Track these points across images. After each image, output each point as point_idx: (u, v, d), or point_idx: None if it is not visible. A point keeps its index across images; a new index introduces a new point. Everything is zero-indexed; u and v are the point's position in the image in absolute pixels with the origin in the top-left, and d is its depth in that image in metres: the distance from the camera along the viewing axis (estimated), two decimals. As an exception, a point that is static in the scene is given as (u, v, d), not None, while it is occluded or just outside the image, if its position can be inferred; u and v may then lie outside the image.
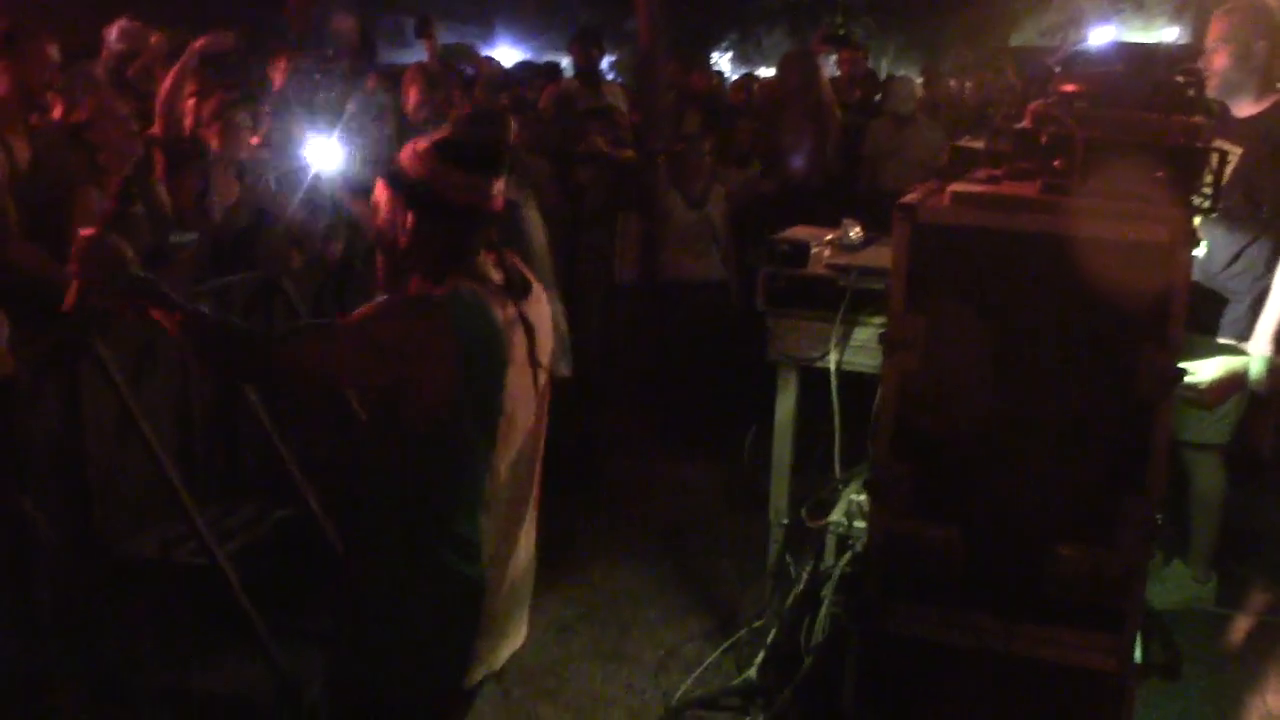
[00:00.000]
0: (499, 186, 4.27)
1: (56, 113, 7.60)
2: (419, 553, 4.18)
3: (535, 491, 4.55)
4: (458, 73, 12.91)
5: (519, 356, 4.23)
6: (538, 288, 4.47)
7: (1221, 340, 7.37)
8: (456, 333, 4.02)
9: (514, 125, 7.16)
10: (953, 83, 16.53)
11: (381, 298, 4.17)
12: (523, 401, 4.28)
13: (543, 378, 4.41)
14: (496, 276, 4.26)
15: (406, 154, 4.26)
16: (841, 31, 16.77)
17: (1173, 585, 8.04)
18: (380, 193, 4.31)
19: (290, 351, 4.17)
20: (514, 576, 4.43)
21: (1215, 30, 7.37)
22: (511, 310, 4.23)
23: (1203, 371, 6.90)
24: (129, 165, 7.43)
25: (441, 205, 4.17)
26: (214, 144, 8.35)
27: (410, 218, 4.20)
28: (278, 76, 10.25)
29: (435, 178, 4.17)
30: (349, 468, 4.37)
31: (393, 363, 4.01)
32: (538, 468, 4.53)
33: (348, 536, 4.63)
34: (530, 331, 4.30)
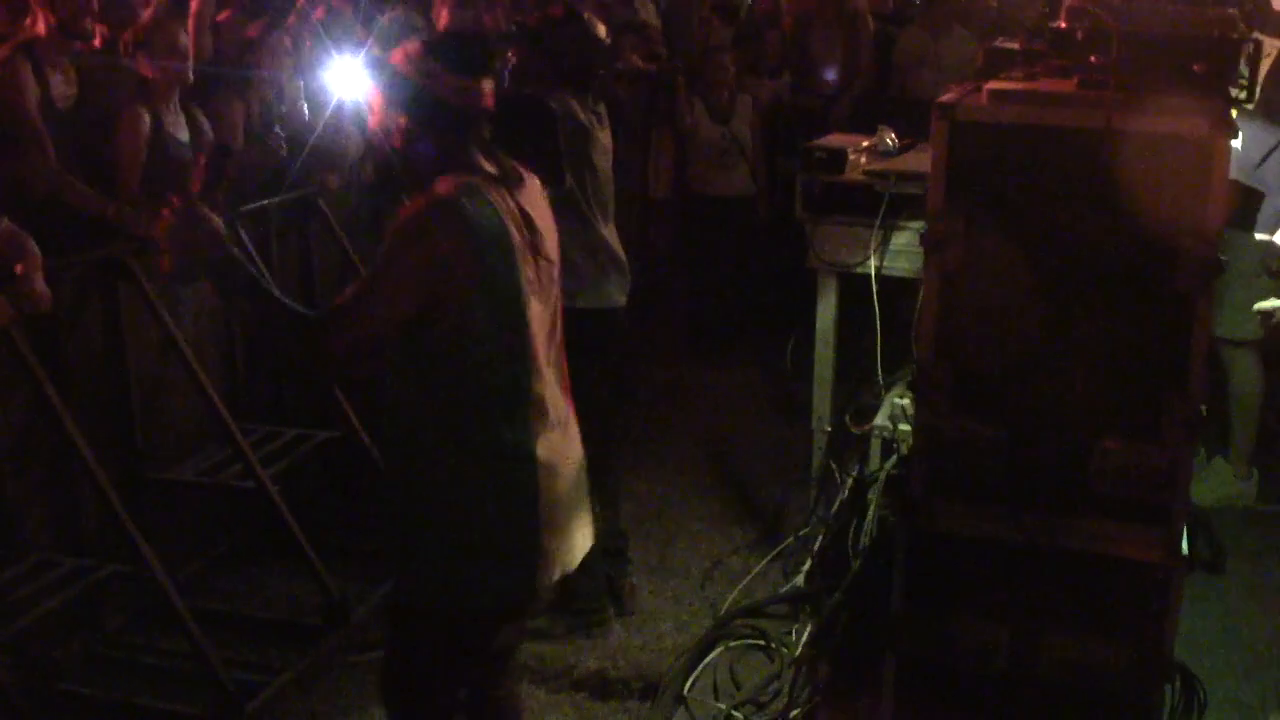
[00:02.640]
0: (489, 85, 4.28)
1: (98, 41, 7.59)
2: (467, 455, 4.19)
3: (565, 382, 4.55)
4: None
5: (520, 246, 4.23)
6: (534, 181, 4.47)
7: (1259, 235, 7.36)
8: (470, 229, 4.05)
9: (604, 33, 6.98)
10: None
11: (392, 226, 4.18)
12: (534, 291, 4.29)
13: (546, 269, 4.39)
14: (490, 167, 4.26)
15: (398, 56, 4.27)
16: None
17: (1214, 482, 8.07)
18: (373, 96, 4.33)
19: (348, 320, 4.17)
20: (567, 468, 4.43)
21: None
22: (509, 201, 4.23)
23: None
24: (176, 90, 7.44)
25: (431, 106, 4.21)
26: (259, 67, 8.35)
27: (403, 120, 4.24)
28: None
29: (425, 79, 4.19)
30: (382, 388, 4.38)
31: (431, 280, 4.04)
32: (563, 359, 4.54)
33: (386, 455, 4.61)
34: (529, 221, 4.29)
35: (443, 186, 4.09)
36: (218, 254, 4.16)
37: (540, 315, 4.33)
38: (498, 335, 4.16)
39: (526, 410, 4.26)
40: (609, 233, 6.80)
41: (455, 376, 4.16)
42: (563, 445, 4.42)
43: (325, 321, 4.23)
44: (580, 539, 4.55)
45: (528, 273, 4.24)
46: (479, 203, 4.10)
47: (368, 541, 7.51)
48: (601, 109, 6.83)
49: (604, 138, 6.78)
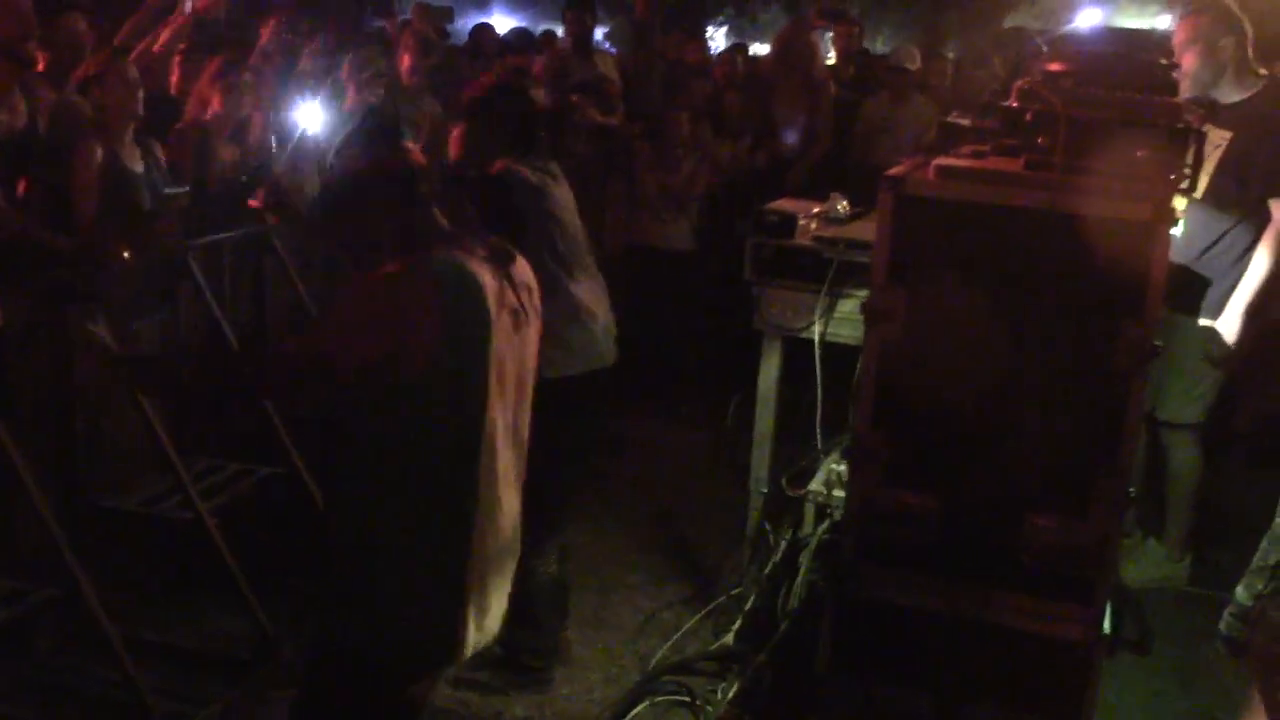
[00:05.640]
0: (410, 144, 4.40)
1: (41, 65, 7.62)
2: (407, 503, 4.21)
3: (524, 446, 4.58)
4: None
5: (504, 315, 4.27)
6: (521, 260, 4.52)
7: (1202, 321, 7.46)
8: (439, 296, 4.08)
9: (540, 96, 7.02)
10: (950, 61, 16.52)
11: (361, 281, 4.22)
12: (511, 359, 4.32)
13: (531, 336, 4.45)
14: (480, 250, 4.31)
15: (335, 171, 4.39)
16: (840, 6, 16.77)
17: (1148, 563, 8.13)
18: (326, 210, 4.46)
19: (285, 358, 4.26)
20: (500, 535, 4.43)
21: (1181, 34, 7.45)
22: (494, 270, 4.28)
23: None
24: (131, 124, 7.47)
25: (370, 186, 4.30)
26: (215, 104, 8.36)
27: (354, 213, 4.35)
28: (265, 34, 10.25)
29: (354, 165, 4.32)
30: (330, 426, 4.40)
31: (385, 337, 4.06)
32: (525, 425, 4.56)
33: (329, 494, 4.64)
34: (515, 287, 4.35)
35: (423, 256, 4.15)
36: (108, 362, 4.25)
37: (511, 374, 4.36)
38: (456, 395, 4.18)
39: (473, 471, 4.26)
40: (587, 288, 6.76)
41: (407, 426, 4.17)
42: (498, 514, 4.41)
43: (277, 346, 4.28)
44: (497, 610, 4.55)
45: (503, 342, 4.27)
46: (457, 267, 4.15)
47: (304, 579, 7.51)
48: (554, 166, 6.84)
49: (560, 192, 6.77)
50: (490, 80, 6.81)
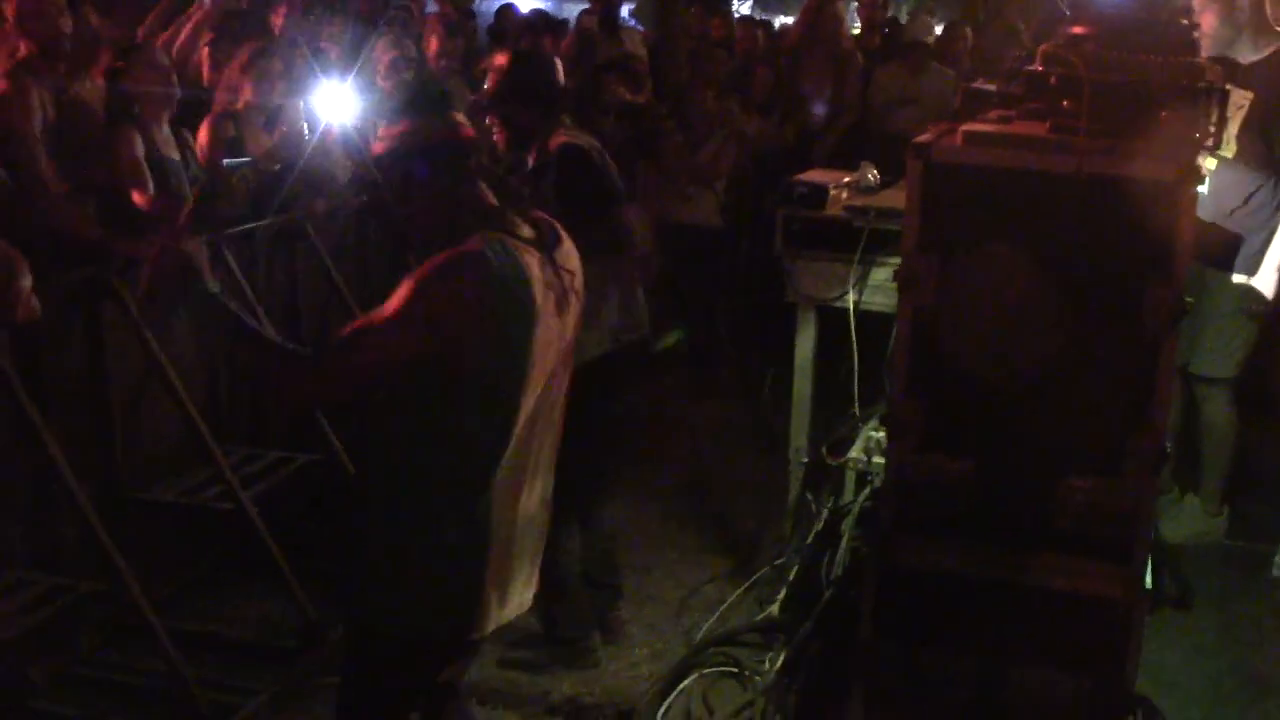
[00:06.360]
0: (460, 116, 4.38)
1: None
2: (430, 495, 4.23)
3: (555, 437, 4.58)
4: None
5: (549, 302, 4.27)
6: (568, 239, 4.51)
7: (1237, 277, 7.47)
8: (493, 282, 4.07)
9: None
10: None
11: (413, 279, 4.15)
12: (550, 346, 4.32)
13: (572, 319, 4.45)
14: (526, 231, 4.31)
15: (377, 146, 4.35)
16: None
17: (1185, 519, 8.15)
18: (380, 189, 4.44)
19: (343, 358, 4.21)
20: (524, 517, 4.43)
21: None
22: (540, 257, 4.27)
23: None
24: (167, 111, 7.52)
25: (421, 158, 4.26)
26: (247, 93, 8.35)
27: (406, 187, 4.32)
28: (277, 20, 10.23)
29: (404, 139, 4.25)
30: (362, 412, 4.42)
31: (441, 330, 4.04)
32: (560, 406, 4.56)
33: (358, 480, 4.64)
34: (560, 275, 4.34)
35: (472, 243, 4.11)
36: (196, 292, 4.22)
37: (551, 360, 4.35)
38: (493, 384, 4.17)
39: (499, 460, 4.25)
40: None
41: (442, 418, 4.16)
42: (525, 502, 4.42)
43: (335, 346, 4.27)
44: (519, 596, 4.55)
45: (546, 329, 4.26)
46: (505, 257, 4.12)
47: (334, 564, 7.57)
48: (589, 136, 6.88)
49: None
50: (504, 61, 6.83)
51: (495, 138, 6.71)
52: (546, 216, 4.48)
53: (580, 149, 6.50)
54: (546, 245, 4.34)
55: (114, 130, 7.25)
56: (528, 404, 4.27)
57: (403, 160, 4.28)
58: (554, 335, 4.32)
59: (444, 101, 4.40)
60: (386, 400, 4.27)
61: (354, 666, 4.65)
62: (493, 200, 4.34)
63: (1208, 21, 7.35)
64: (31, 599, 5.96)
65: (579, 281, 4.51)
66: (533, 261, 4.22)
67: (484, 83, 9.61)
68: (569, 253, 4.49)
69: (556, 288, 4.32)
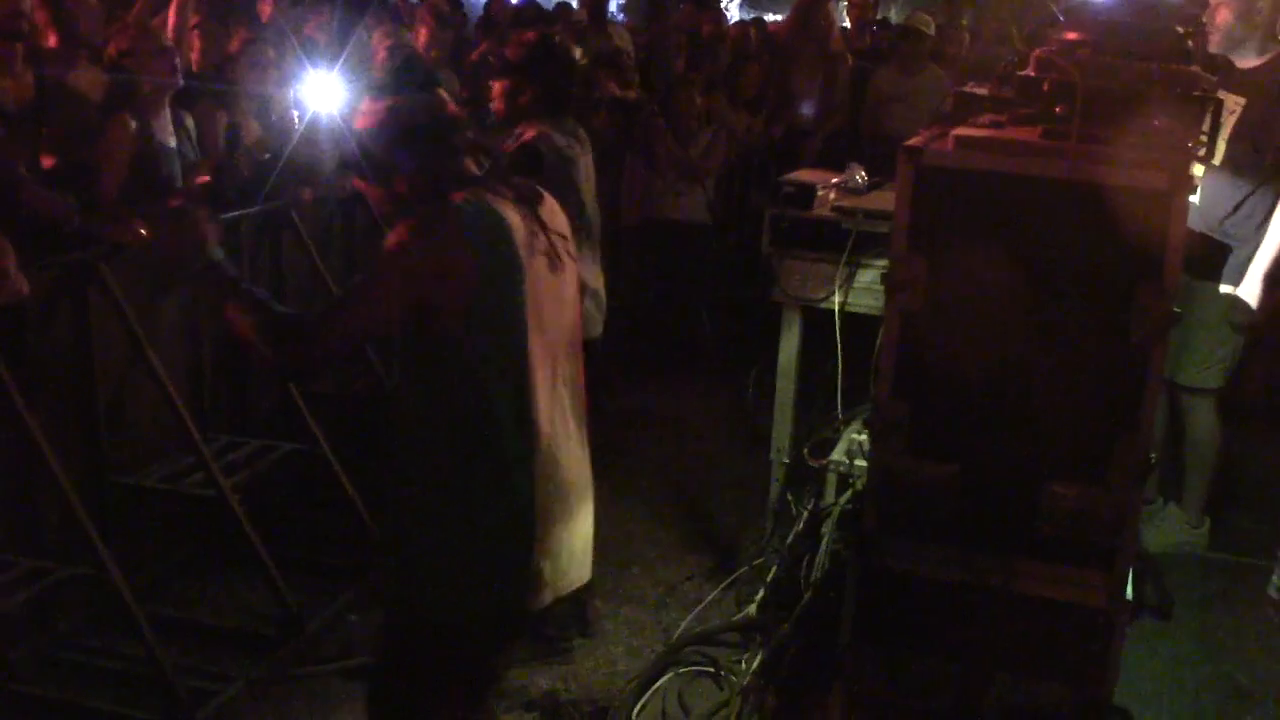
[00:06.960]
0: (444, 94, 4.39)
1: (52, 40, 7.63)
2: (464, 466, 4.21)
3: (582, 401, 4.58)
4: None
5: (538, 257, 4.29)
6: (551, 199, 4.52)
7: (1223, 288, 7.47)
8: (470, 231, 4.09)
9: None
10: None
11: (390, 234, 4.17)
12: (550, 301, 4.34)
13: (569, 279, 4.46)
14: (507, 192, 4.32)
15: (360, 120, 4.34)
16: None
17: (1167, 528, 8.16)
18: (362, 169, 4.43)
19: (335, 324, 4.24)
20: (564, 479, 4.42)
21: None
22: (521, 210, 4.29)
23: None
24: (168, 94, 7.50)
25: (405, 132, 4.27)
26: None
27: (388, 161, 4.32)
28: (265, 8, 10.20)
29: (388, 115, 4.27)
30: (387, 394, 4.42)
31: (423, 279, 4.06)
32: (580, 372, 4.56)
33: (395, 463, 4.63)
34: (544, 228, 4.35)
35: (451, 198, 4.14)
36: (202, 259, 4.24)
37: (551, 317, 4.36)
38: (497, 342, 4.18)
39: (528, 422, 4.25)
40: (589, 260, 6.76)
41: (455, 383, 4.17)
42: (563, 466, 4.41)
43: (315, 318, 4.28)
44: (575, 565, 4.56)
45: (538, 281, 4.27)
46: (481, 207, 4.15)
47: (327, 555, 7.55)
48: (582, 132, 6.88)
49: (585, 161, 6.82)
50: (534, 38, 6.80)
51: (494, 106, 6.72)
52: (526, 181, 4.49)
53: (536, 151, 6.49)
54: (529, 201, 4.37)
55: (112, 117, 7.21)
56: (540, 365, 4.28)
57: (386, 136, 4.29)
58: (550, 292, 4.34)
59: (429, 78, 4.40)
60: (408, 377, 4.30)
61: (394, 656, 4.61)
62: (476, 171, 4.37)
63: (1223, 16, 7.35)
64: (11, 581, 5.96)
65: (571, 247, 4.52)
66: (513, 214, 4.25)
67: (473, 76, 9.61)
68: (554, 212, 4.51)
69: (543, 244, 4.33)
